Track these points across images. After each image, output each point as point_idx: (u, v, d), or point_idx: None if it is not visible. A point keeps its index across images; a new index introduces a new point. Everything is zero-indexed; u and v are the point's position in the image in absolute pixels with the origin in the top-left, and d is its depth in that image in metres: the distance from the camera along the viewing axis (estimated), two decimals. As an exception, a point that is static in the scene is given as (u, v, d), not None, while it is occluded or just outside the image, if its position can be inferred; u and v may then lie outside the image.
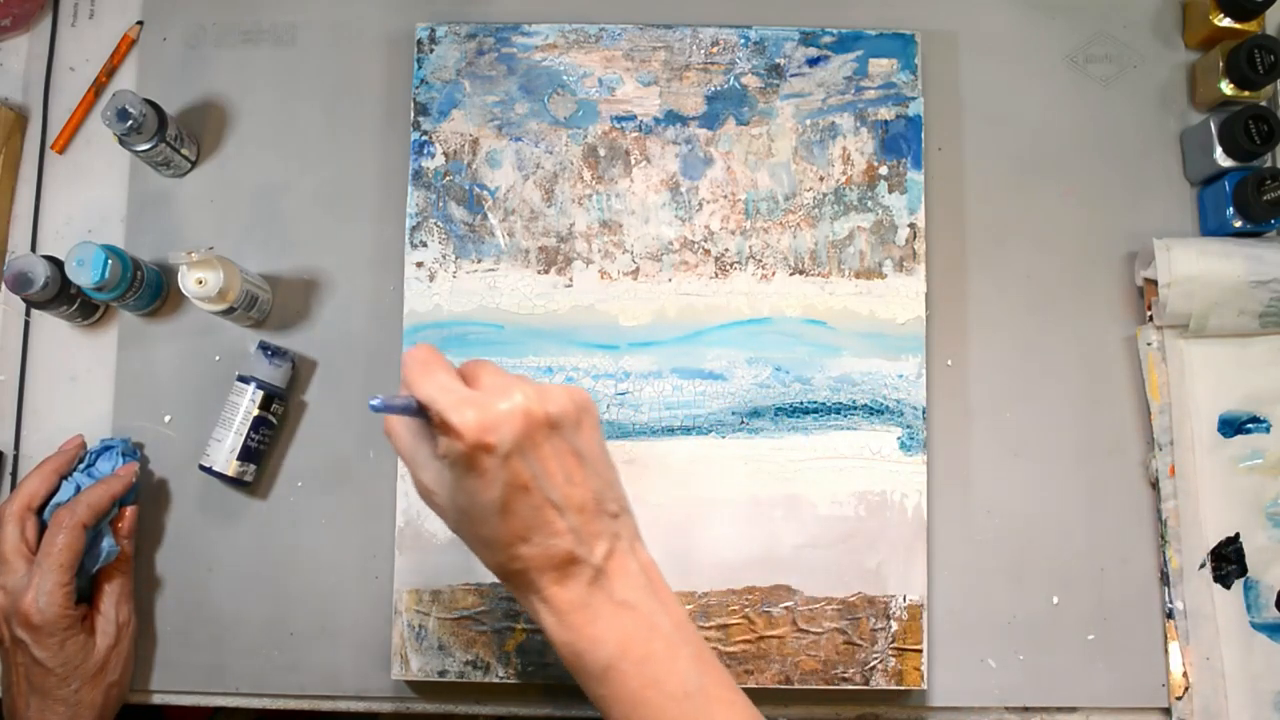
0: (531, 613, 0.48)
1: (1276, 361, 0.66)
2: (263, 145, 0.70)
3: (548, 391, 0.46)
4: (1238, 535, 0.65)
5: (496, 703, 0.66)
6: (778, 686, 0.63)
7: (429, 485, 0.47)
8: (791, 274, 0.66)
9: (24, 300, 0.64)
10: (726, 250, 0.66)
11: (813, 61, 0.68)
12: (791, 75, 0.68)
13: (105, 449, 0.65)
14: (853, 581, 0.63)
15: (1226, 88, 0.67)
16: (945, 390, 0.67)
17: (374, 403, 0.45)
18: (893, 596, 0.63)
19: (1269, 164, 0.68)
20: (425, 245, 0.66)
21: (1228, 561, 0.65)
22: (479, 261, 0.66)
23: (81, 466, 0.65)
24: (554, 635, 0.47)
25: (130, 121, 0.63)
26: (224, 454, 0.64)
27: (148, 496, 0.67)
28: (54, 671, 0.59)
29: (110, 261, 0.62)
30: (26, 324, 0.70)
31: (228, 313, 0.65)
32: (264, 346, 0.65)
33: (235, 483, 0.65)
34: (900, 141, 0.67)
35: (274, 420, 0.66)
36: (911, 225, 0.66)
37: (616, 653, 0.46)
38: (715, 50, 0.68)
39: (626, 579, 0.48)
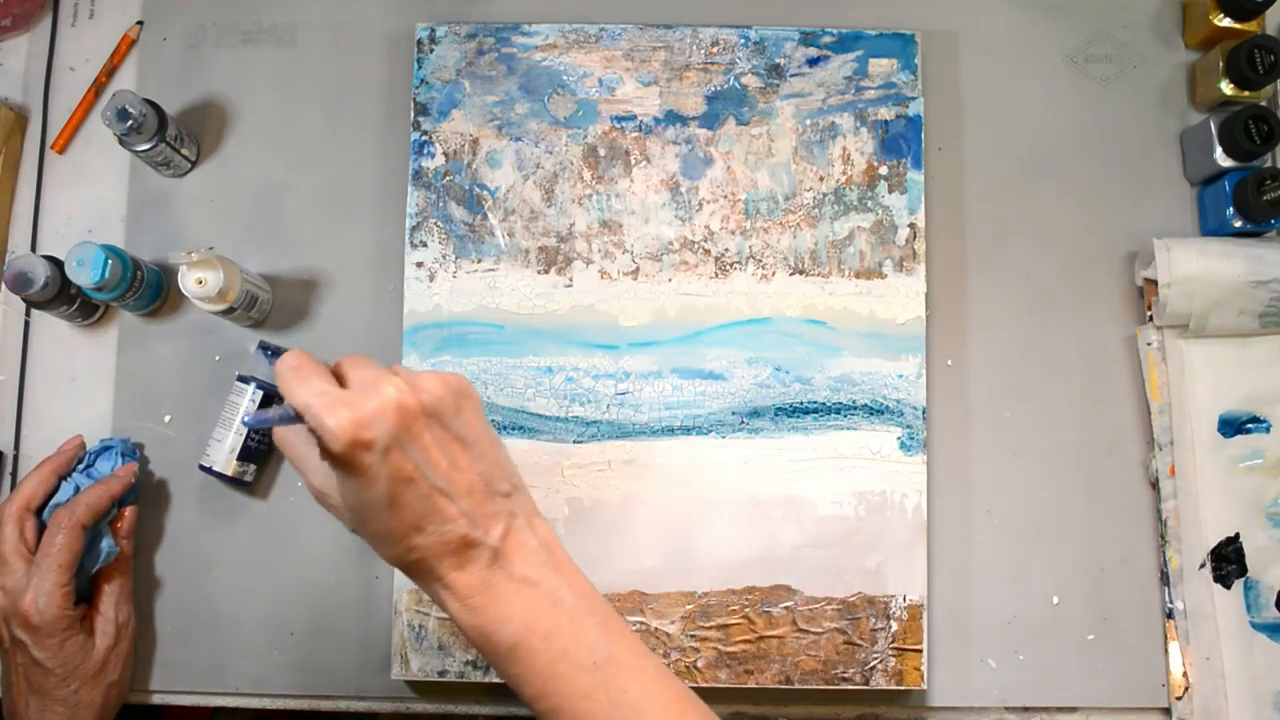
0: (436, 601, 0.48)
1: (1276, 361, 0.66)
2: (263, 145, 0.70)
3: (419, 380, 0.46)
4: (1238, 535, 0.65)
5: (496, 703, 0.66)
6: (778, 686, 0.63)
7: (321, 489, 0.47)
8: (791, 274, 0.66)
9: (24, 300, 0.63)
10: (726, 250, 0.66)
11: (813, 61, 0.68)
12: (791, 75, 0.68)
13: (104, 449, 0.65)
14: (853, 581, 0.63)
15: (1226, 88, 0.67)
16: (945, 390, 0.67)
17: (247, 419, 0.44)
18: (893, 596, 0.63)
19: (1269, 164, 0.68)
20: (425, 245, 0.66)
21: (1228, 561, 0.65)
22: (479, 261, 0.66)
23: (81, 467, 0.65)
24: (460, 620, 0.47)
25: (130, 121, 0.63)
26: (224, 454, 0.64)
27: (147, 496, 0.67)
28: (53, 672, 0.59)
29: (110, 261, 0.62)
30: (26, 324, 0.70)
31: (228, 313, 0.65)
32: (264, 346, 0.65)
33: (235, 483, 0.65)
34: (900, 141, 0.67)
35: (274, 420, 0.66)
36: (911, 225, 0.66)
37: (522, 630, 0.46)
38: (715, 50, 0.68)
39: (525, 556, 0.48)
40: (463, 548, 0.46)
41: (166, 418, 0.68)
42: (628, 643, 0.48)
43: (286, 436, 0.48)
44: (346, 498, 0.46)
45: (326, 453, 0.44)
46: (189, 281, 0.62)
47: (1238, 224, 0.66)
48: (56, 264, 0.63)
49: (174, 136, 0.66)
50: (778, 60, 0.68)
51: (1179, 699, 0.64)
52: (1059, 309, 0.68)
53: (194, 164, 0.70)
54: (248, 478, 0.65)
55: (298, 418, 0.45)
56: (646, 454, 0.65)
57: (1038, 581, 0.66)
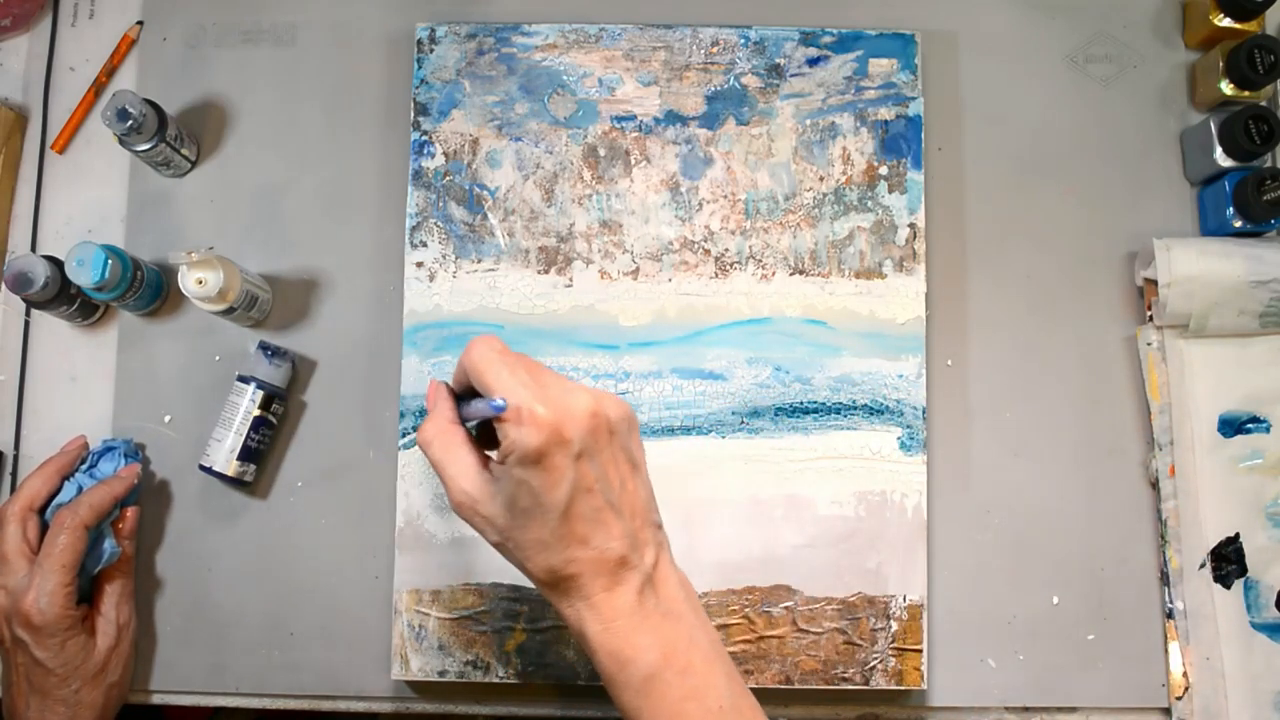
0: (574, 619, 0.47)
1: (1276, 361, 0.66)
2: (263, 145, 0.70)
3: (604, 396, 0.46)
4: (1238, 535, 0.65)
5: (496, 703, 0.66)
6: (778, 686, 0.63)
7: (473, 494, 0.46)
8: (791, 274, 0.66)
9: (24, 300, 0.64)
10: (726, 250, 0.66)
11: (813, 61, 0.68)
12: (791, 75, 0.68)
13: (107, 450, 0.65)
14: (853, 581, 0.63)
15: (1226, 88, 0.67)
16: (945, 390, 0.67)
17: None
18: (893, 596, 0.63)
19: (1269, 164, 0.68)
20: (425, 245, 0.66)
21: (1228, 561, 0.65)
22: (479, 261, 0.66)
23: (84, 467, 0.65)
24: (597, 642, 0.47)
25: (130, 121, 0.63)
26: (224, 454, 0.64)
27: (148, 496, 0.67)
28: (54, 672, 0.59)
29: (110, 261, 0.62)
30: (26, 324, 0.70)
31: (228, 313, 0.65)
32: (264, 346, 0.65)
33: (235, 483, 0.65)
34: (900, 141, 0.67)
35: (274, 420, 0.66)
36: (911, 225, 0.66)
37: (660, 662, 0.46)
38: (715, 50, 0.68)
39: (670, 589, 0.48)
40: (618, 568, 0.46)
41: (166, 418, 0.68)
42: (748, 695, 0.49)
43: (438, 438, 0.47)
44: (519, 499, 0.45)
45: (517, 444, 0.44)
46: (189, 281, 0.62)
47: (1238, 224, 0.66)
48: (56, 264, 0.63)
49: (174, 136, 0.66)
50: (778, 60, 0.68)
51: (1179, 699, 0.64)
52: (1059, 309, 0.68)
53: (194, 164, 0.70)
54: (248, 478, 0.65)
55: (493, 412, 0.44)
56: (646, 454, 0.64)
57: (1038, 581, 0.66)
